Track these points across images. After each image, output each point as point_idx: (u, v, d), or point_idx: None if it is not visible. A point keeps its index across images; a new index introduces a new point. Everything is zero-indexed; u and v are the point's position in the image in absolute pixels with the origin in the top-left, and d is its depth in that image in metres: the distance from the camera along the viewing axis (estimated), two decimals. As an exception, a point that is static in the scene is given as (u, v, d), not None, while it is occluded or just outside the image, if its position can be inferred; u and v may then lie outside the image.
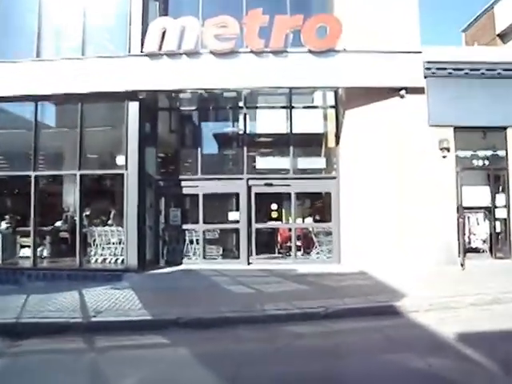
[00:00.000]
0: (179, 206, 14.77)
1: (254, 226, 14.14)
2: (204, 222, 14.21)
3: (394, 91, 12.49)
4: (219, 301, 9.28)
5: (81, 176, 12.93)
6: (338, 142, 13.98)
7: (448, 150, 12.38)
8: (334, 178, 13.95)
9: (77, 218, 12.99)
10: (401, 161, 12.48)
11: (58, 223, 14.81)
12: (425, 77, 12.44)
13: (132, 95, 12.58)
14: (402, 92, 12.42)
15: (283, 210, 15.16)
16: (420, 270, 11.67)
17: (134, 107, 12.75)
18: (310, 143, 14.94)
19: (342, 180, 13.62)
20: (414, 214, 12.24)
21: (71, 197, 16.56)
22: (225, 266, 13.44)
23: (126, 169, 12.63)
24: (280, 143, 14.63)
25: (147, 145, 13.88)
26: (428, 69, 12.43)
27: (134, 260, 12.49)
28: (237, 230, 14.22)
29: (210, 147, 15.12)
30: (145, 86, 12.46)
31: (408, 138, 12.45)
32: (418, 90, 12.38)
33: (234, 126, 15.33)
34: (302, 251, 15.09)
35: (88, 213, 15.20)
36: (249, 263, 13.90)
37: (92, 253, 13.89)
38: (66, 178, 14.11)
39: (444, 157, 12.42)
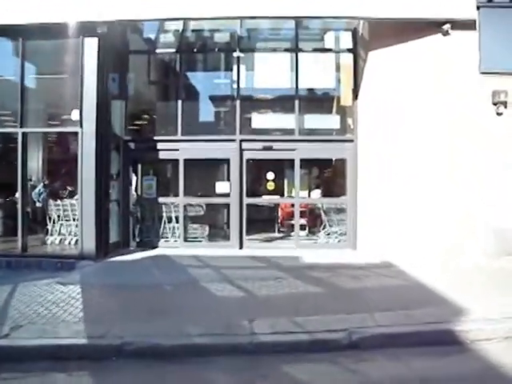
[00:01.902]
0: (155, 174, 11.90)
1: (248, 200, 11.24)
2: (185, 195, 11.34)
3: (435, 26, 9.32)
4: (192, 312, 6.45)
5: (23, 135, 9.89)
6: (356, 96, 11.02)
7: (505, 104, 9.30)
8: (351, 141, 11.02)
9: (18, 189, 9.99)
10: (441, 119, 9.44)
11: (17, 194, 11.90)
12: (477, 7, 9.27)
13: (88, 29, 9.46)
14: (446, 27, 9.26)
15: (285, 181, 12.41)
16: (464, 263, 8.81)
17: (91, 46, 9.66)
18: (321, 97, 12.00)
19: (361, 144, 10.71)
20: (456, 190, 9.28)
21: (34, 163, 13.85)
22: (211, 251, 10.63)
23: (81, 126, 9.61)
24: (282, 97, 11.71)
25: (113, 97, 10.97)
26: (482, -5, 9.29)
27: (90, 243, 9.64)
28: (226, 206, 11.41)
29: (193, 101, 12.14)
30: (105, 16, 9.27)
31: (451, 89, 9.38)
32: (468, 25, 9.21)
33: (224, 76, 12.29)
34: (306, 231, 12.32)
35: (46, 182, 12.60)
36: (241, 247, 11.09)
37: (49, 232, 11.28)
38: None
39: (499, 114, 9.33)
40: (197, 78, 12.53)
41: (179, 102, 11.31)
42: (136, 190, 11.74)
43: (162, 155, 11.36)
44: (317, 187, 12.83)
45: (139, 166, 11.81)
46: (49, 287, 7.83)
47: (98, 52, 9.70)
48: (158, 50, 12.03)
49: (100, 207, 9.94)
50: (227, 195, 11.17)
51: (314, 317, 6.01)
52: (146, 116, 11.92)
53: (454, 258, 8.90)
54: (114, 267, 9.40)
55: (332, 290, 7.39)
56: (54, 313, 6.48)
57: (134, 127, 11.76)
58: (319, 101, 12.08)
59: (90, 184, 9.62)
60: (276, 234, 13.21)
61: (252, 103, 11.86)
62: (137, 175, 11.71)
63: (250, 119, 11.49)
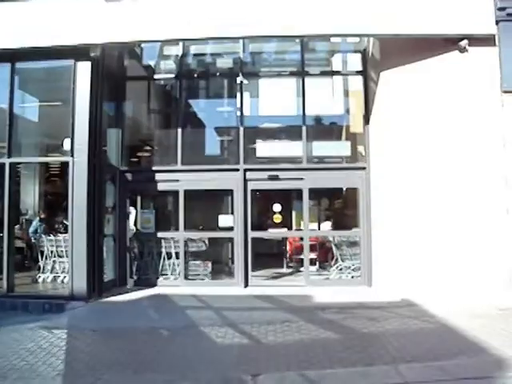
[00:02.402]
0: (153, 207, 11.16)
1: (253, 233, 10.42)
2: (186, 229, 10.54)
3: (451, 42, 8.69)
4: (187, 363, 5.59)
5: (11, 165, 9.19)
6: (367, 120, 10.30)
7: (531, 125, 8.56)
8: (363, 168, 10.24)
9: (5, 223, 9.22)
10: (460, 146, 8.69)
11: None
12: (496, 22, 8.59)
13: (81, 52, 8.87)
14: (464, 43, 8.61)
15: (293, 213, 11.54)
16: (494, 300, 7.88)
17: (83, 70, 9.02)
18: (329, 123, 11.30)
19: (374, 171, 9.93)
20: (479, 220, 8.46)
21: (29, 196, 13.23)
22: (213, 290, 9.78)
23: (72, 155, 8.93)
24: (289, 124, 11.01)
25: (109, 125, 10.35)
26: (502, 9, 8.56)
27: (81, 283, 8.80)
28: (230, 240, 10.55)
29: (194, 130, 11.54)
30: (97, 38, 8.69)
31: (471, 111, 8.65)
32: (487, 41, 8.53)
33: (227, 103, 11.69)
34: (317, 266, 11.47)
35: (43, 215, 11.96)
36: (246, 285, 10.20)
37: (41, 269, 10.57)
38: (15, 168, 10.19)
39: (525, 134, 8.59)
40: (198, 106, 11.96)
41: (179, 130, 10.64)
42: (134, 224, 10.96)
43: (162, 186, 10.63)
44: (327, 219, 12.06)
45: (137, 199, 11.08)
46: (32, 333, 7.01)
47: (91, 77, 9.06)
48: (156, 76, 11.50)
49: (93, 243, 9.16)
50: (231, 229, 10.36)
51: (329, 370, 5.13)
52: (144, 145, 11.28)
53: (478, 293, 7.99)
54: (107, 309, 8.55)
55: (348, 336, 6.47)
56: (31, 364, 5.68)
57: (132, 157, 11.07)
58: (328, 127, 11.40)
59: (81, 217, 8.85)
60: (284, 270, 12.33)
61: (256, 131, 11.21)
62: (135, 208, 10.97)
63: (254, 148, 10.83)
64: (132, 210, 11.09)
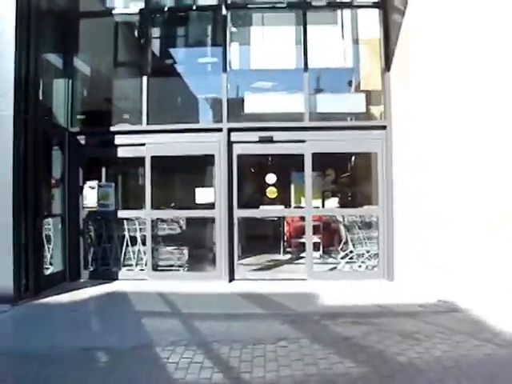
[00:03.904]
0: (113, 179, 8.77)
1: (241, 212, 8.11)
2: (154, 207, 8.19)
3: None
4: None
5: None
6: (388, 66, 7.89)
7: None
8: (382, 127, 7.88)
9: None
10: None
11: None
12: None
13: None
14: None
15: (291, 186, 9.14)
16: None
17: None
18: (338, 69, 8.83)
19: (398, 130, 7.59)
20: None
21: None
22: (189, 285, 7.55)
23: (-6, 109, 6.56)
24: (287, 70, 8.56)
25: (55, 74, 8.02)
26: None
27: (4, 279, 6.49)
28: (211, 221, 8.20)
29: (164, 79, 9.03)
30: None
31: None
32: None
33: (206, 43, 9.25)
34: (321, 252, 9.28)
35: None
36: (231, 278, 7.93)
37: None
38: None
39: None
40: (168, 48, 9.46)
41: (145, 80, 8.23)
42: (88, 201, 8.58)
43: (123, 152, 8.26)
44: (334, 194, 9.72)
45: (92, 168, 8.67)
46: None
47: (18, 9, 6.66)
48: (117, 11, 8.92)
49: (25, 226, 6.85)
50: (211, 206, 8.02)
51: None
52: (101, 101, 8.81)
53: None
54: (39, 316, 6.19)
55: (380, 371, 4.15)
56: None
57: (85, 116, 8.61)
58: (336, 74, 8.96)
59: (4, 192, 6.51)
60: (280, 257, 10.08)
61: (245, 79, 8.79)
62: (89, 180, 8.56)
63: (241, 101, 8.41)
64: (94, 183, 8.74)
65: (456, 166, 6.74)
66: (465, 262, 6.62)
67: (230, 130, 7.92)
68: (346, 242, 8.73)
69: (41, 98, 7.63)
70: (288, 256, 10.15)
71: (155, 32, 9.15)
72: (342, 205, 9.65)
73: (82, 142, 8.29)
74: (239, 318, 5.84)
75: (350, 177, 10.13)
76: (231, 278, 7.90)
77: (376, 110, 8.36)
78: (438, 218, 6.83)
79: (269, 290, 7.25)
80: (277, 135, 7.93)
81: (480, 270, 6.54)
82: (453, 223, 6.73)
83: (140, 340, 5.09)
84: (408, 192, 7.30)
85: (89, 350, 4.80)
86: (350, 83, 8.92)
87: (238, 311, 6.16)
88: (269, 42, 9.33)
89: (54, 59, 8.30)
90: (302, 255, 9.28)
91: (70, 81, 8.35)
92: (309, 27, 8.32)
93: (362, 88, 8.87)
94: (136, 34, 9.20)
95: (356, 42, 9.29)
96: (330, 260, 9.31)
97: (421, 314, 5.83)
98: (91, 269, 8.40)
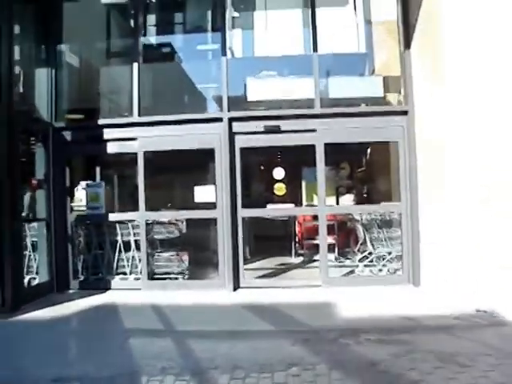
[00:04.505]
0: (103, 178, 7.94)
1: (245, 212, 7.23)
2: (149, 209, 7.33)
3: None
4: None
5: None
6: (407, 43, 6.96)
7: None
8: (403, 113, 6.94)
9: None
10: None
11: None
12: None
13: None
14: None
15: (302, 182, 8.25)
16: None
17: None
18: (351, 56, 7.95)
19: (421, 116, 6.65)
20: None
21: None
22: (189, 296, 6.72)
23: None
24: (294, 56, 7.75)
25: (36, 63, 7.20)
26: None
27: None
28: (213, 223, 7.28)
29: (157, 66, 8.16)
30: None
31: None
32: None
33: (203, 25, 8.37)
34: (336, 254, 8.43)
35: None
36: (236, 286, 7.05)
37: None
38: None
39: None
40: (163, 34, 8.62)
41: (135, 67, 7.37)
42: (76, 204, 7.77)
43: (113, 148, 7.41)
44: (349, 189, 8.80)
45: (80, 167, 7.84)
46: None
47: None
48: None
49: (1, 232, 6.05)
50: (213, 206, 7.14)
51: None
52: (88, 92, 7.97)
53: None
54: (10, 337, 5.33)
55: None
56: None
57: (71, 109, 7.77)
58: (349, 59, 8.05)
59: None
60: (292, 260, 9.20)
61: (248, 66, 7.92)
62: (76, 179, 7.76)
63: (244, 87, 7.51)
64: (82, 184, 7.95)
65: (491, 160, 5.79)
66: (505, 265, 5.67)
67: (231, 120, 7.04)
68: (364, 243, 7.82)
69: (21, 90, 6.88)
70: (300, 259, 9.25)
71: (148, 16, 8.31)
72: (359, 202, 8.74)
73: (68, 137, 7.46)
74: (243, 337, 4.95)
75: (366, 170, 9.18)
76: (236, 286, 7.02)
77: (394, 97, 7.43)
78: (475, 215, 5.88)
79: (278, 299, 6.37)
80: (284, 124, 7.02)
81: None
82: (494, 221, 5.77)
83: (122, 367, 4.23)
84: (435, 187, 6.37)
85: (59, 380, 3.96)
86: (364, 68, 7.99)
87: (243, 327, 5.28)
88: (274, 27, 8.50)
89: (36, 47, 7.49)
90: (315, 258, 8.44)
91: (54, 71, 7.52)
92: (318, 9, 7.43)
93: (379, 67, 7.94)
94: (127, 18, 8.31)
95: (370, 23, 8.40)
96: (347, 263, 8.41)
97: (458, 329, 4.91)
98: (81, 278, 7.58)
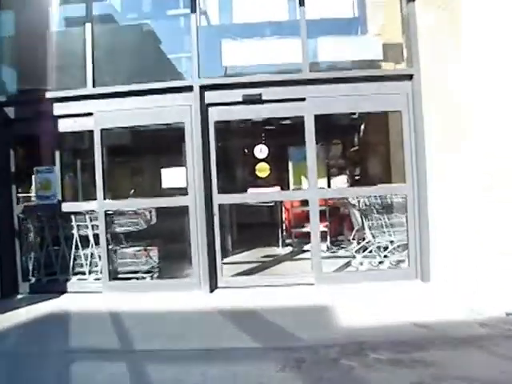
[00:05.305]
0: (54, 161, 6.75)
1: (223, 197, 6.12)
2: (109, 196, 6.18)
3: None
4: None
5: None
6: (411, -6, 5.85)
7: None
8: (408, 77, 5.85)
9: None
10: None
11: None
12: None
13: None
14: None
15: (289, 162, 7.19)
16: None
17: None
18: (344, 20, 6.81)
19: (429, 81, 5.56)
20: None
21: None
22: (155, 301, 5.60)
23: None
24: (280, 20, 6.62)
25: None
26: None
27: None
28: (185, 211, 6.13)
29: (113, 27, 6.95)
30: None
31: None
32: None
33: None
34: (328, 243, 7.41)
35: None
36: (214, 286, 5.96)
37: None
38: None
39: None
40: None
41: (88, 28, 6.16)
42: (24, 192, 6.60)
43: (65, 125, 6.23)
44: (342, 170, 7.73)
45: (26, 148, 6.66)
46: None
47: None
48: None
49: None
50: (183, 191, 6.01)
51: None
52: (33, 59, 6.68)
53: None
54: None
55: None
56: None
57: (16, 81, 6.57)
58: (342, 22, 6.87)
59: None
60: (279, 251, 8.14)
61: (224, 29, 6.76)
62: (23, 164, 6.57)
63: (218, 49, 6.32)
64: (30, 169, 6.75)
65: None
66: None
67: (203, 89, 5.88)
68: (359, 230, 6.80)
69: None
70: (288, 250, 8.21)
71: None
72: (353, 184, 7.69)
73: (11, 114, 6.25)
74: (218, 359, 3.89)
75: (363, 147, 8.09)
76: (213, 287, 5.93)
77: (398, 55, 6.31)
78: (496, 197, 4.86)
79: (263, 302, 5.31)
80: (267, 92, 5.86)
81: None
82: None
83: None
84: (446, 165, 5.32)
85: None
86: (361, 19, 6.86)
87: (219, 344, 4.19)
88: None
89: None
90: (305, 248, 7.42)
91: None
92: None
93: (378, 25, 6.84)
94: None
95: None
96: (341, 253, 7.41)
97: (488, 340, 3.91)
98: (32, 280, 6.42)
